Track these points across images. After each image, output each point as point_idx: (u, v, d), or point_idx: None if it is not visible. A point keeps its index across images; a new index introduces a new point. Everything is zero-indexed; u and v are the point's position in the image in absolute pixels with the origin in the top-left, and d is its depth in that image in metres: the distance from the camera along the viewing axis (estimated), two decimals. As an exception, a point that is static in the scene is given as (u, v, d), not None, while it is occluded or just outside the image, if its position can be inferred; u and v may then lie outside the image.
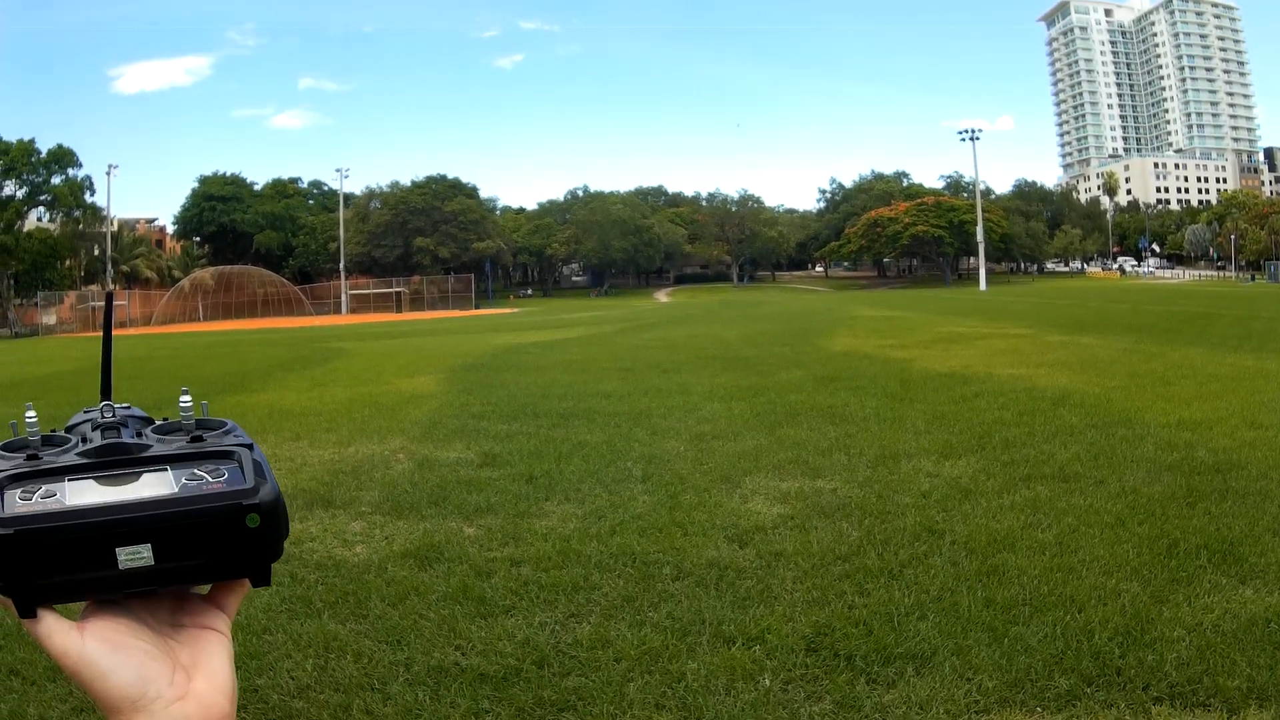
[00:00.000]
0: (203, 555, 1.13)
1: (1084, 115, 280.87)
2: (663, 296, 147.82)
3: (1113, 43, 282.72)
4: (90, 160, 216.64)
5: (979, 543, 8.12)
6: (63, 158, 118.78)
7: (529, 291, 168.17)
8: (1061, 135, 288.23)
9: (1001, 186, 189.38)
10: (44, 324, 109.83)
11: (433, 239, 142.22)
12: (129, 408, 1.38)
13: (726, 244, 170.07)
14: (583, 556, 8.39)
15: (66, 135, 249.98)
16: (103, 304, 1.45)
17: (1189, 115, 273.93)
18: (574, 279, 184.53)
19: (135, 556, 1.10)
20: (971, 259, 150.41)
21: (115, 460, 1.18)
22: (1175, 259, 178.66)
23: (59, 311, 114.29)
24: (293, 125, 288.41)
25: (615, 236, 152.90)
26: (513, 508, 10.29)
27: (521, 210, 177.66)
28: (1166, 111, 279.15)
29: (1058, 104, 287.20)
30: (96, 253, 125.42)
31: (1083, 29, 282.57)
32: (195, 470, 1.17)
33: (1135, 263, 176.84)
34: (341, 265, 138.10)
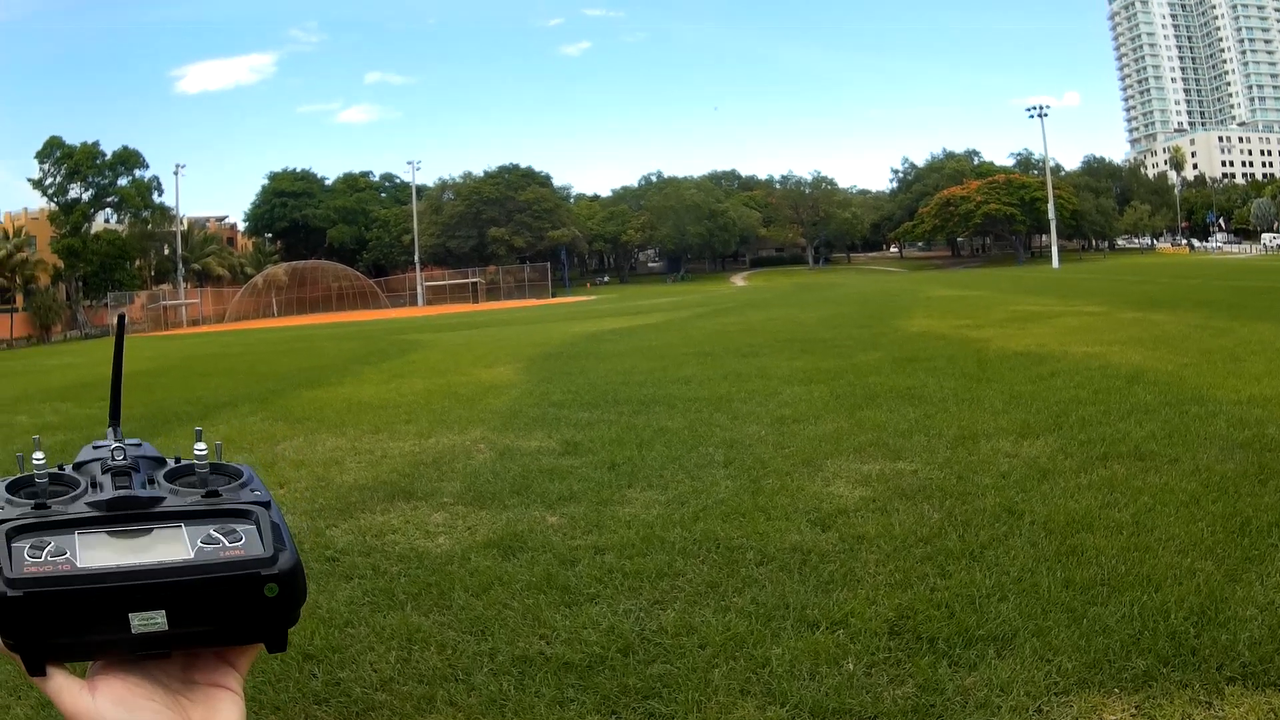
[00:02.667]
0: (218, 622, 1.14)
1: (1148, 89, 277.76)
2: (739, 280, 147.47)
3: (1173, 15, 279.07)
4: (157, 161, 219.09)
5: (1057, 523, 8.09)
6: (128, 159, 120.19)
7: (605, 279, 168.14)
8: (1127, 110, 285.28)
9: (1070, 163, 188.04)
10: (114, 325, 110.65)
11: (507, 229, 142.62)
12: (140, 444, 1.38)
13: (801, 226, 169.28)
14: (666, 543, 8.41)
15: (131, 137, 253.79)
16: (117, 321, 1.37)
17: (1250, 88, 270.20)
18: (650, 265, 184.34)
19: (149, 622, 1.10)
20: (1044, 236, 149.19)
21: (127, 515, 1.18)
22: (1242, 234, 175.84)
23: (129, 312, 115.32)
24: (361, 120, 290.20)
25: (690, 222, 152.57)
26: (595, 495, 10.33)
27: (595, 198, 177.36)
28: (1229, 84, 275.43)
29: (1122, 78, 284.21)
30: (166, 252, 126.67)
31: (1143, 1, 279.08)
32: (211, 531, 1.17)
33: (1197, 240, 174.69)
34: (416, 257, 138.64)
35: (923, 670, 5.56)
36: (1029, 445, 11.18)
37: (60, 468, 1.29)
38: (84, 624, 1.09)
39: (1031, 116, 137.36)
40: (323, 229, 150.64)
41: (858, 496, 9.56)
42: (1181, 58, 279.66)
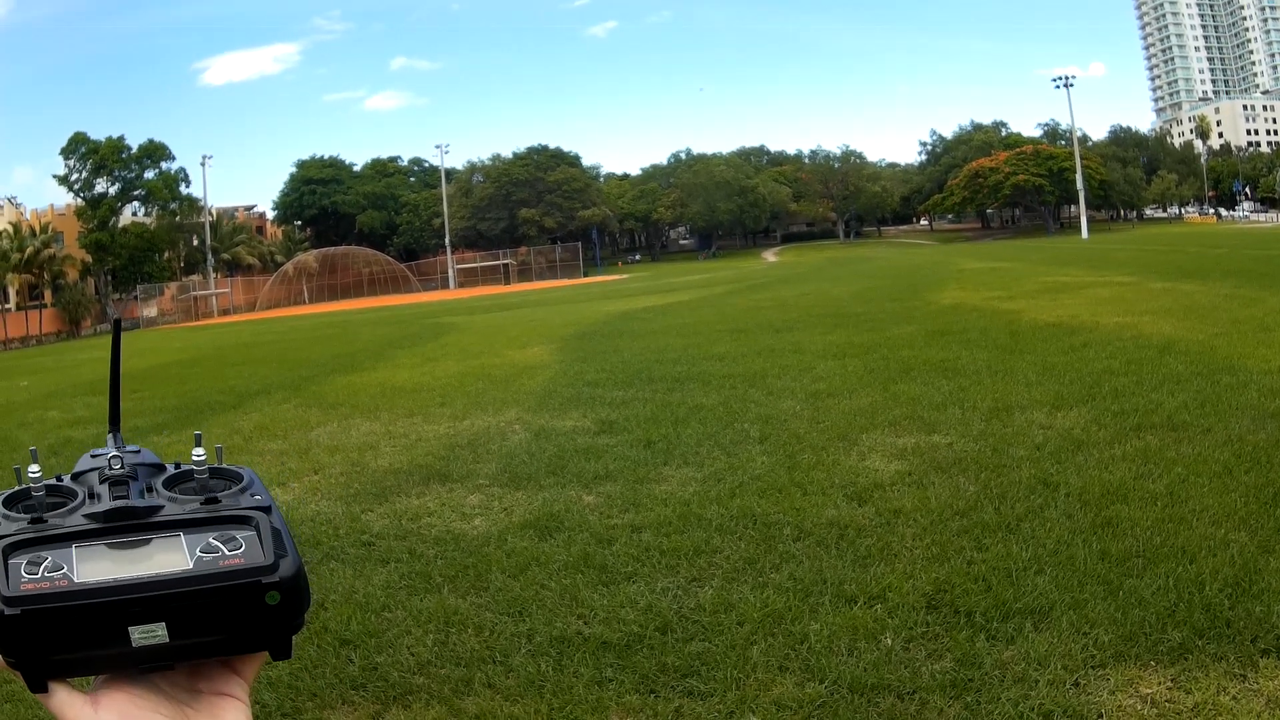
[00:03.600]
0: (220, 631, 1.12)
1: (1172, 58, 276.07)
2: (770, 256, 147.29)
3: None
4: (184, 153, 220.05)
5: (1092, 494, 8.08)
6: (154, 152, 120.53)
7: (637, 257, 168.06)
8: (1152, 79, 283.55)
9: (1097, 133, 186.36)
10: (145, 317, 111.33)
11: (537, 210, 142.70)
12: (139, 451, 1.35)
13: (831, 201, 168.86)
14: (703, 520, 8.44)
15: (157, 131, 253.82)
16: (114, 324, 1.33)
17: (1272, 55, 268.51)
18: (681, 242, 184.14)
19: (149, 635, 1.08)
20: (1072, 207, 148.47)
21: (124, 526, 1.16)
22: (1269, 202, 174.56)
23: (159, 304, 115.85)
24: (388, 106, 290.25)
25: (720, 198, 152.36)
26: (631, 474, 10.36)
27: (625, 176, 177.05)
28: (1251, 53, 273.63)
29: (1146, 47, 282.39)
30: (196, 243, 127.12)
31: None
32: (210, 539, 1.15)
33: (1224, 209, 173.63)
34: (447, 240, 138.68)
35: (960, 644, 5.58)
36: (1063, 416, 11.16)
37: (58, 479, 1.28)
38: (84, 639, 1.08)
39: (1058, 87, 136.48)
40: (352, 215, 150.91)
41: (893, 470, 9.57)
42: (1204, 26, 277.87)
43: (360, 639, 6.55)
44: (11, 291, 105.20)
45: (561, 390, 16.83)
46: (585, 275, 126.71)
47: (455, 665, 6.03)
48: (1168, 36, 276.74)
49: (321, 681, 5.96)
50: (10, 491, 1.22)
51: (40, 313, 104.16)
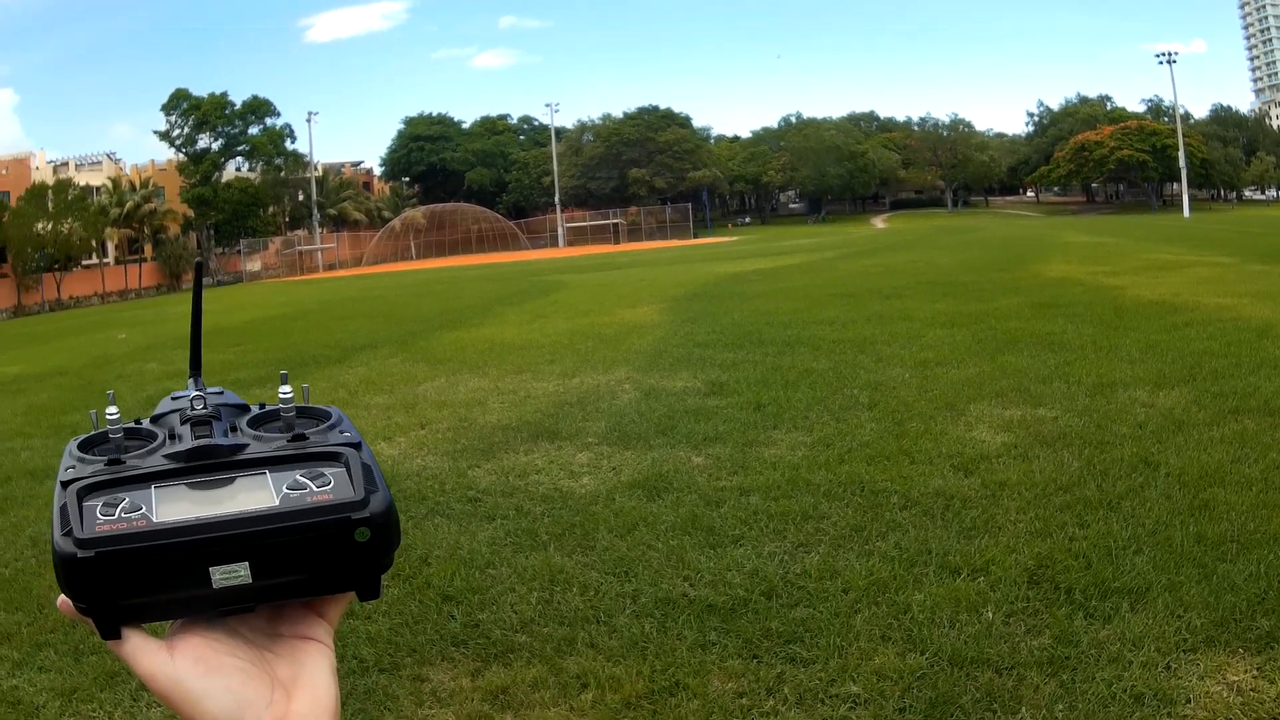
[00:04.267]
0: (306, 571, 1.09)
1: (1270, 39, 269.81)
2: (879, 222, 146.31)
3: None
4: (289, 110, 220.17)
5: (1190, 476, 8.02)
6: (259, 108, 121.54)
7: (746, 220, 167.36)
8: (1251, 60, 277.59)
9: (1198, 111, 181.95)
10: (248, 271, 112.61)
11: (647, 170, 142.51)
12: (222, 392, 1.33)
13: (939, 169, 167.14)
14: (811, 485, 8.45)
15: (261, 87, 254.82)
16: (195, 269, 1.28)
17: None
18: (790, 206, 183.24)
19: (231, 575, 1.05)
20: (1174, 185, 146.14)
21: (207, 465, 1.13)
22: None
23: (264, 258, 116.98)
24: (496, 64, 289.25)
25: (830, 163, 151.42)
26: (740, 436, 10.40)
27: (736, 139, 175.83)
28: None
29: (1245, 26, 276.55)
30: (301, 198, 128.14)
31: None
32: (298, 476, 1.11)
33: None
34: (556, 199, 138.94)
35: (1059, 621, 5.57)
36: (1164, 396, 11.06)
37: (137, 422, 1.24)
38: (161, 581, 1.04)
39: (1160, 63, 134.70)
40: (461, 172, 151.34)
41: (999, 442, 9.56)
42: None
43: (463, 595, 6.62)
44: (110, 246, 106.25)
45: (671, 350, 16.89)
46: (695, 236, 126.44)
47: (558, 624, 6.07)
48: (1266, 17, 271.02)
49: (422, 637, 6.03)
50: (86, 436, 1.20)
51: (140, 266, 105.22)
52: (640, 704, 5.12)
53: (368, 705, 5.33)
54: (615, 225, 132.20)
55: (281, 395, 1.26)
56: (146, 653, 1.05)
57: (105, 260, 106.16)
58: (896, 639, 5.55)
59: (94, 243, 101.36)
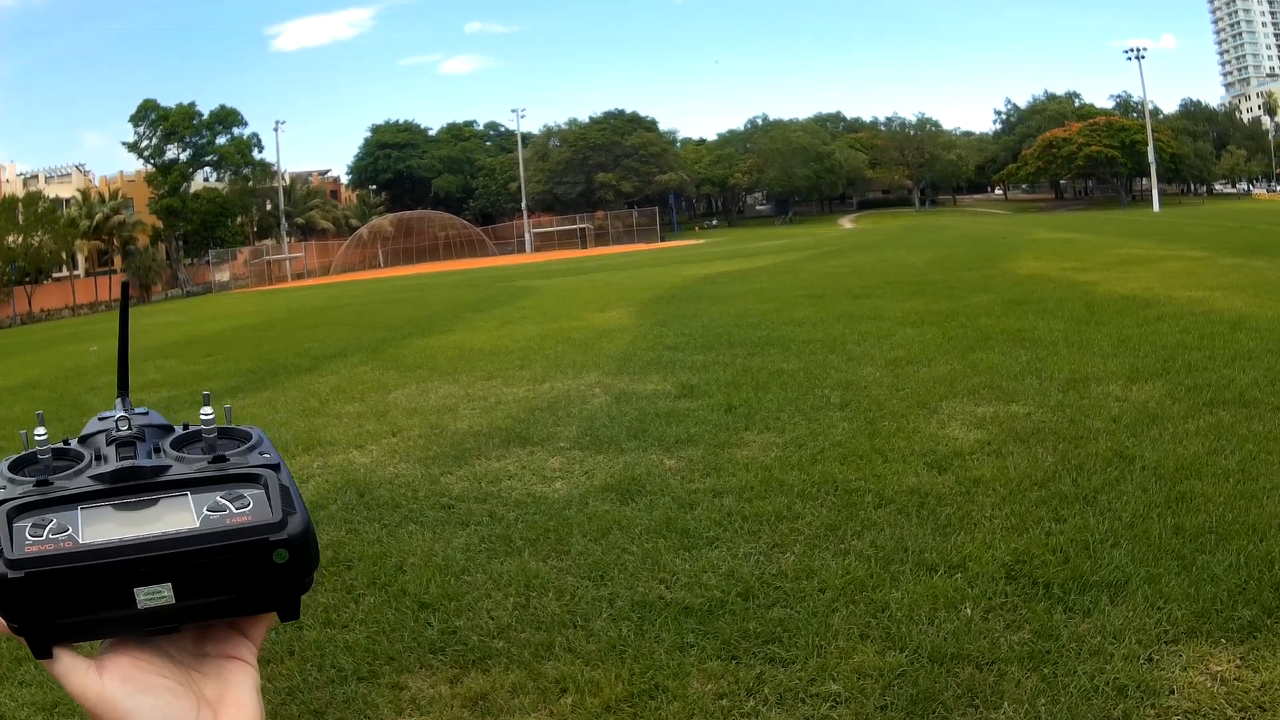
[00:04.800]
0: (227, 592, 1.11)
1: (1240, 34, 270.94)
2: (847, 223, 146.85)
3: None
4: (256, 119, 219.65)
5: (1167, 469, 8.07)
6: (226, 118, 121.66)
7: (714, 222, 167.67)
8: (1221, 54, 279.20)
9: (1168, 106, 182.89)
10: (217, 281, 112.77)
11: (614, 174, 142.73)
12: (147, 413, 1.33)
13: (907, 168, 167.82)
14: (785, 485, 8.47)
15: (228, 97, 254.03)
16: (122, 289, 1.29)
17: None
18: (758, 208, 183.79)
19: (155, 596, 1.07)
20: (1144, 180, 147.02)
21: (132, 486, 1.14)
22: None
23: (232, 268, 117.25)
24: (463, 70, 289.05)
25: (797, 164, 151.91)
26: (713, 438, 10.41)
27: (702, 141, 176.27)
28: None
29: (1215, 21, 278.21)
30: (269, 207, 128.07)
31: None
32: (218, 498, 1.13)
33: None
34: (523, 204, 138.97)
35: (1039, 616, 5.60)
36: (1138, 389, 11.14)
37: (65, 442, 1.26)
38: (88, 602, 1.07)
39: (1129, 59, 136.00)
40: (428, 179, 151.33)
41: (973, 439, 9.61)
42: (1272, 2, 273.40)
43: (439, 602, 6.61)
44: (80, 258, 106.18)
45: (642, 354, 16.91)
46: (662, 240, 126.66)
47: (535, 629, 6.07)
48: (1235, 11, 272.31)
49: (400, 645, 6.02)
50: (17, 456, 1.22)
51: (110, 278, 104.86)
52: (620, 707, 5.12)
53: (347, 714, 5.31)
54: (582, 230, 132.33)
55: (203, 416, 1.28)
56: (76, 672, 1.08)
57: (76, 272, 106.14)
58: (875, 637, 5.56)
59: (64, 255, 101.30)
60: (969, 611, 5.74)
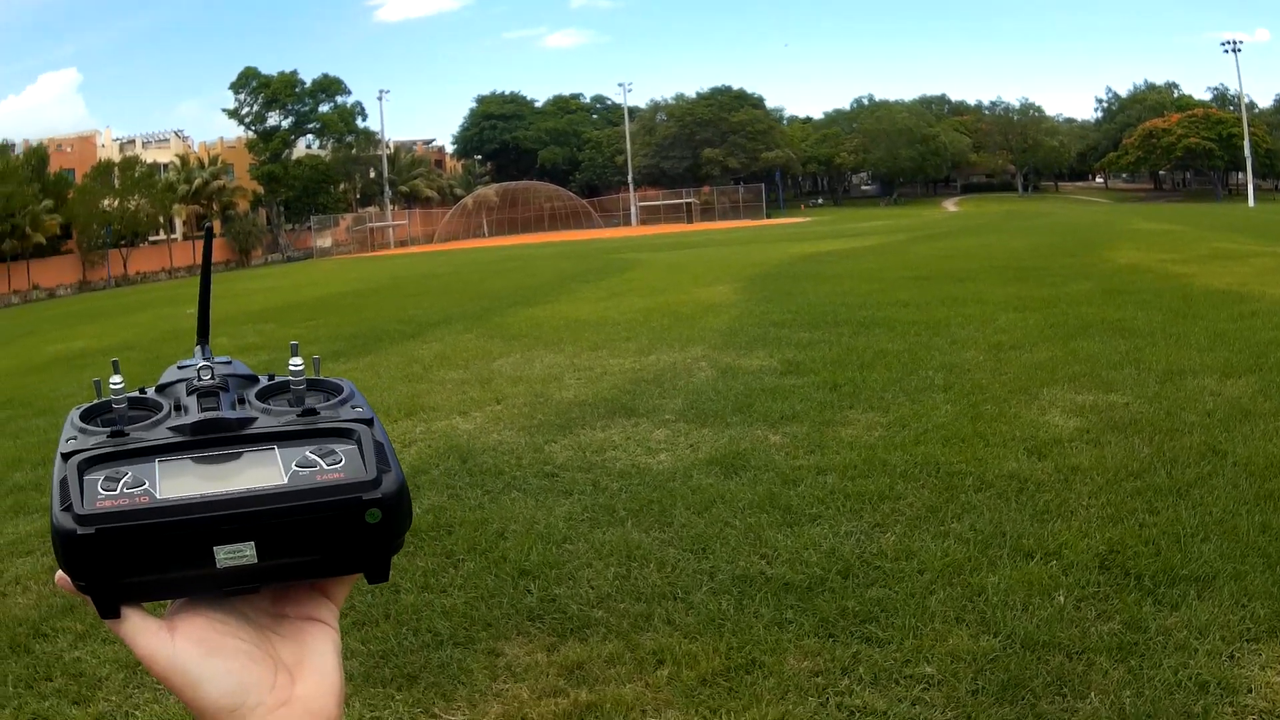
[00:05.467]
0: (314, 552, 1.06)
1: None
2: (950, 206, 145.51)
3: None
4: (360, 88, 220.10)
5: (1257, 465, 8.00)
6: (329, 86, 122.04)
7: (819, 201, 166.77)
8: None
9: (1263, 100, 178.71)
10: (318, 247, 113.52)
11: (721, 150, 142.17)
12: (230, 362, 1.27)
13: (1009, 153, 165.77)
14: (888, 465, 8.49)
15: (330, 67, 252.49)
16: (202, 237, 1.22)
17: None
18: (863, 188, 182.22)
19: (236, 555, 1.02)
20: (1239, 174, 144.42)
21: (214, 439, 1.09)
22: None
23: (334, 234, 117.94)
24: (568, 44, 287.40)
25: (902, 145, 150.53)
26: (817, 415, 10.44)
27: (808, 120, 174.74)
28: None
29: None
30: (372, 175, 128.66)
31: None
32: (307, 453, 1.07)
33: None
34: (629, 178, 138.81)
35: (1129, 607, 5.59)
36: (1231, 384, 11.02)
37: (142, 391, 1.21)
38: (163, 560, 1.01)
39: (1226, 51, 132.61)
40: (533, 150, 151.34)
41: (1072, 427, 9.58)
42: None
43: (539, 570, 6.68)
44: (179, 222, 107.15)
45: (747, 329, 16.96)
46: (768, 217, 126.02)
47: (635, 600, 6.12)
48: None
49: (498, 611, 6.09)
50: (89, 405, 1.16)
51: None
52: (716, 681, 5.16)
53: (441, 679, 5.38)
54: (688, 205, 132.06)
55: (291, 367, 1.23)
56: (146, 633, 1.03)
57: (173, 236, 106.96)
58: (970, 621, 5.58)
59: (161, 219, 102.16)
60: (1062, 599, 5.75)
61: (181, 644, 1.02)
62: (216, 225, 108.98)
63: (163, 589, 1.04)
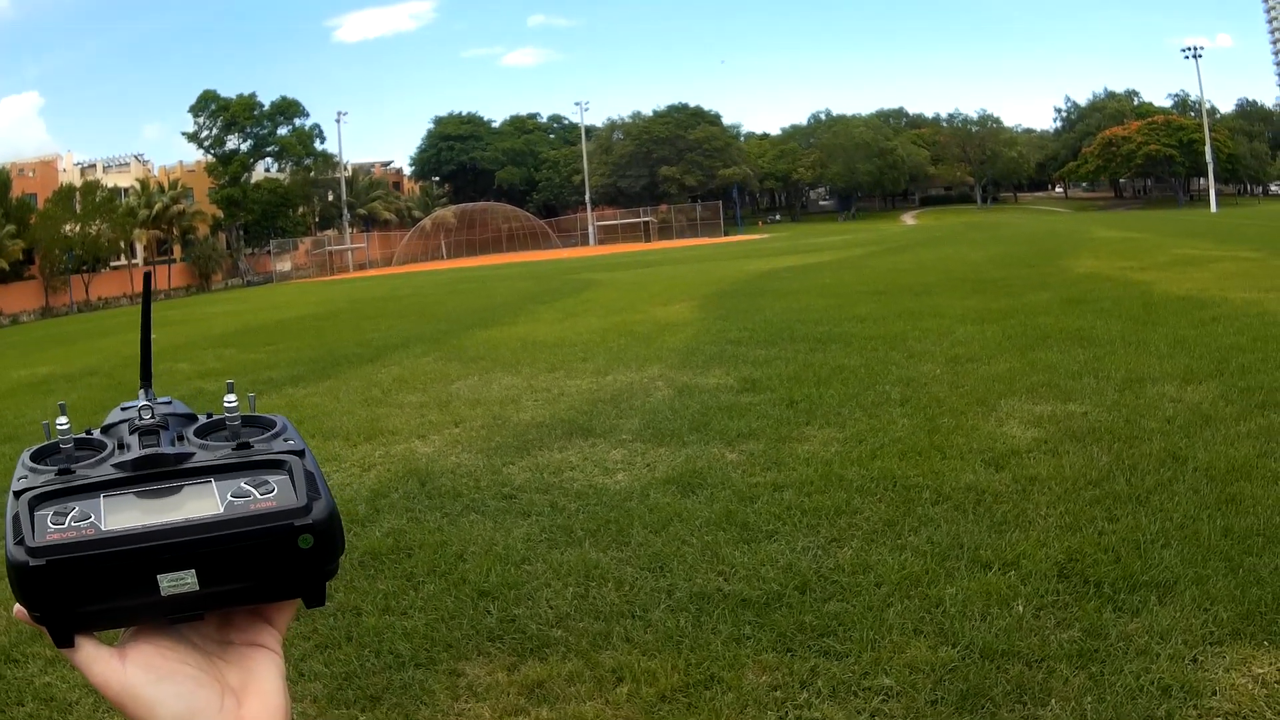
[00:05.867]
0: (252, 578, 1.11)
1: None
2: (909, 219, 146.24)
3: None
4: (317, 110, 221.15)
5: (1218, 470, 8.08)
6: (288, 109, 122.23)
7: (777, 217, 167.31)
8: (1276, 53, 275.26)
9: (1225, 105, 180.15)
10: (278, 271, 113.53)
11: (678, 168, 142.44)
12: (170, 402, 1.33)
13: (968, 165, 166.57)
14: (844, 480, 8.54)
15: (289, 88, 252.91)
16: (144, 280, 1.25)
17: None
18: (821, 203, 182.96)
19: (179, 583, 1.07)
20: (1201, 180, 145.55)
21: (154, 474, 1.14)
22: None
23: (294, 258, 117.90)
24: (525, 63, 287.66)
25: (859, 160, 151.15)
26: (774, 432, 10.49)
27: (765, 136, 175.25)
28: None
29: (1270, 21, 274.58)
30: (331, 198, 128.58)
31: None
32: (242, 484, 1.13)
33: None
34: (587, 197, 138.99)
35: (1089, 614, 5.65)
36: (1192, 390, 11.12)
37: (88, 432, 1.27)
38: (111, 589, 1.07)
39: (1186, 57, 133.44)
40: (491, 171, 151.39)
41: (1030, 437, 9.65)
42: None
43: (499, 591, 6.71)
44: (139, 247, 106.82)
45: (704, 348, 17.00)
46: (726, 234, 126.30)
47: (594, 619, 6.16)
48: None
49: (458, 632, 6.12)
50: (38, 446, 1.22)
51: (169, 267, 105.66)
52: (675, 697, 5.20)
53: (404, 700, 5.41)
54: (646, 223, 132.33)
55: (226, 404, 1.29)
56: (99, 660, 1.09)
57: (134, 261, 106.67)
58: (929, 632, 5.62)
59: (123, 244, 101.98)
60: (1021, 608, 5.80)
61: (133, 670, 1.08)
62: (176, 250, 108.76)
63: (113, 618, 1.09)
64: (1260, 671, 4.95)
